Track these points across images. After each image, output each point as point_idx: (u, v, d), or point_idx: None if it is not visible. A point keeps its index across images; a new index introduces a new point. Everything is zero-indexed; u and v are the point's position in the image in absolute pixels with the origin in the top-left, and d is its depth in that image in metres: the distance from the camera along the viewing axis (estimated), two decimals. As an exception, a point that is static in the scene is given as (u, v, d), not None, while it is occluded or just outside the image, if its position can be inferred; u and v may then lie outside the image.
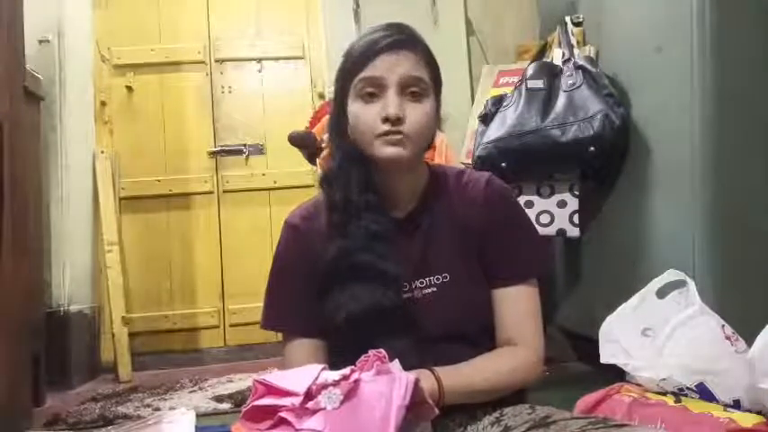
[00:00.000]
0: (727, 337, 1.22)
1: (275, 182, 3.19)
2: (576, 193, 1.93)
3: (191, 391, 2.33)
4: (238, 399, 2.10)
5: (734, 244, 1.55)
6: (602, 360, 1.34)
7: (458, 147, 2.33)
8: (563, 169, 1.93)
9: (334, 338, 0.98)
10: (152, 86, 3.17)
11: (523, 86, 1.96)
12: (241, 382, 2.43)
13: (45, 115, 2.59)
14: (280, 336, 1.04)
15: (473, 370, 0.92)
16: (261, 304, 1.05)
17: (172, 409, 1.98)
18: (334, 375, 0.75)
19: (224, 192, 3.19)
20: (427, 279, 0.98)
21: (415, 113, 0.93)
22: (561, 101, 1.87)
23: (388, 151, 0.93)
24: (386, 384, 0.73)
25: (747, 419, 1.07)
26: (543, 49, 2.20)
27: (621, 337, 1.32)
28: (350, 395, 0.73)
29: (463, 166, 1.81)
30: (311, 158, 2.16)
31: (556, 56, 2.04)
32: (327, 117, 1.09)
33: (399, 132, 0.92)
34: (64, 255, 2.66)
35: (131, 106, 3.16)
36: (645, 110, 1.79)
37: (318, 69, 3.18)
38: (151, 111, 3.16)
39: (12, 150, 1.81)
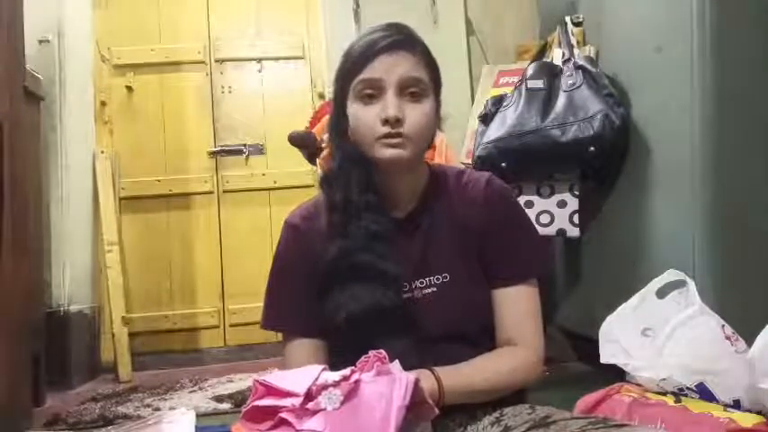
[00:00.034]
0: (727, 337, 1.22)
1: (275, 182, 3.19)
2: (576, 193, 1.93)
3: (191, 391, 2.33)
4: (238, 399, 2.10)
5: (734, 244, 1.55)
6: (602, 360, 1.34)
7: (458, 147, 2.33)
8: (563, 169, 1.93)
9: (334, 338, 0.98)
10: (152, 86, 3.17)
11: (523, 86, 1.96)
12: (241, 382, 2.43)
13: (45, 115, 2.59)
14: (280, 336, 1.04)
15: (473, 370, 0.93)
16: (261, 304, 1.05)
17: (172, 409, 1.98)
18: (335, 376, 0.75)
19: (224, 192, 3.19)
20: (427, 279, 0.98)
21: (415, 114, 0.94)
22: (561, 101, 1.87)
23: (388, 153, 0.93)
24: (386, 385, 0.73)
25: (747, 419, 1.07)
26: (543, 49, 2.20)
27: (621, 337, 1.32)
28: (350, 396, 0.73)
29: (463, 166, 1.81)
30: (311, 158, 2.16)
31: (556, 56, 2.04)
32: (327, 117, 1.09)
33: (399, 134, 0.92)
34: (64, 255, 2.66)
35: (131, 106, 3.16)
36: (645, 110, 1.79)
37: (318, 69, 3.18)
38: (151, 111, 3.16)
39: (12, 150, 1.81)
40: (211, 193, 3.18)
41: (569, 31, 2.05)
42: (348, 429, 0.71)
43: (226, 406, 2.06)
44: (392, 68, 0.93)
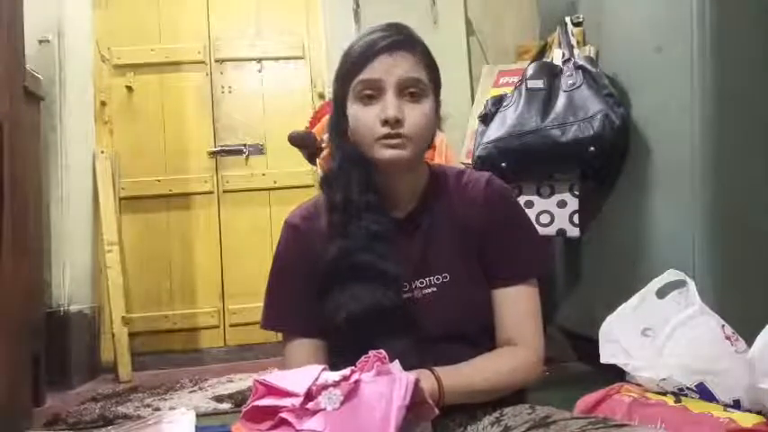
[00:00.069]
0: (727, 337, 1.22)
1: (275, 182, 3.19)
2: (576, 193, 1.93)
3: (191, 391, 2.33)
4: (238, 399, 2.10)
5: (734, 244, 1.55)
6: (602, 360, 1.34)
7: (458, 147, 2.33)
8: (563, 169, 1.93)
9: (334, 338, 0.98)
10: (152, 86, 3.17)
11: (523, 86, 1.96)
12: (241, 382, 2.43)
13: (45, 115, 2.59)
14: (280, 336, 1.04)
15: (473, 370, 0.93)
16: (261, 304, 1.05)
17: (172, 409, 1.98)
18: (335, 376, 0.75)
19: (224, 192, 3.19)
20: (427, 279, 0.98)
21: (414, 114, 0.94)
22: (561, 101, 1.87)
23: (388, 154, 0.93)
24: (386, 385, 0.73)
25: (747, 419, 1.07)
26: (543, 50, 2.20)
27: (621, 337, 1.32)
28: (350, 396, 0.73)
29: (463, 166, 1.81)
30: (311, 158, 2.16)
31: (556, 56, 2.04)
32: (327, 117, 1.09)
33: (399, 135, 0.92)
34: (64, 255, 2.66)
35: (131, 106, 3.16)
36: (645, 110, 1.79)
37: (318, 69, 3.18)
38: (151, 111, 3.16)
39: (12, 150, 1.81)
40: (211, 193, 3.18)
41: (569, 32, 2.05)
42: (348, 429, 0.71)
43: (226, 406, 2.06)
44: (392, 69, 0.93)
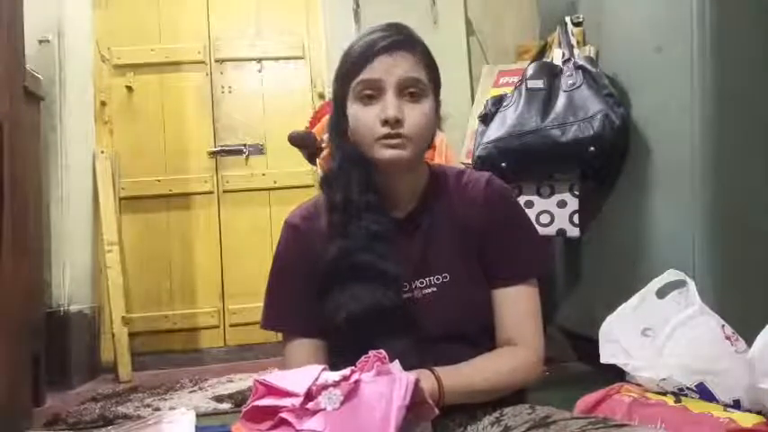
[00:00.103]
0: (727, 337, 1.22)
1: (275, 182, 3.19)
2: (576, 193, 1.93)
3: (191, 391, 2.33)
4: (238, 399, 2.10)
5: (734, 244, 1.55)
6: (602, 360, 1.34)
7: (458, 147, 2.33)
8: (563, 169, 1.93)
9: (334, 338, 0.98)
10: (152, 86, 3.17)
11: (523, 86, 1.96)
12: (241, 382, 2.43)
13: (45, 115, 2.59)
14: (280, 336, 1.04)
15: (473, 370, 0.93)
16: (261, 304, 1.05)
17: (172, 409, 1.98)
18: (335, 376, 0.75)
19: (224, 192, 3.19)
20: (427, 279, 0.98)
21: (414, 114, 0.94)
22: (561, 101, 1.87)
23: (388, 154, 0.93)
24: (386, 385, 0.73)
25: (747, 419, 1.07)
26: (543, 49, 2.20)
27: (621, 337, 1.32)
28: (350, 396, 0.73)
29: (463, 166, 1.81)
30: (311, 158, 2.16)
31: (556, 56, 2.04)
32: (327, 117, 1.09)
33: (399, 135, 0.92)
34: (64, 255, 2.66)
35: (131, 106, 3.16)
36: (645, 110, 1.79)
37: (318, 69, 3.18)
38: (151, 111, 3.16)
39: (12, 150, 1.81)
40: (211, 193, 3.18)
41: (569, 31, 2.05)
42: (348, 429, 0.71)
43: (226, 406, 2.06)
44: (391, 69, 0.93)
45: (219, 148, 3.19)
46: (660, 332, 1.26)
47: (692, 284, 1.31)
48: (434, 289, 0.98)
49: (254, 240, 3.11)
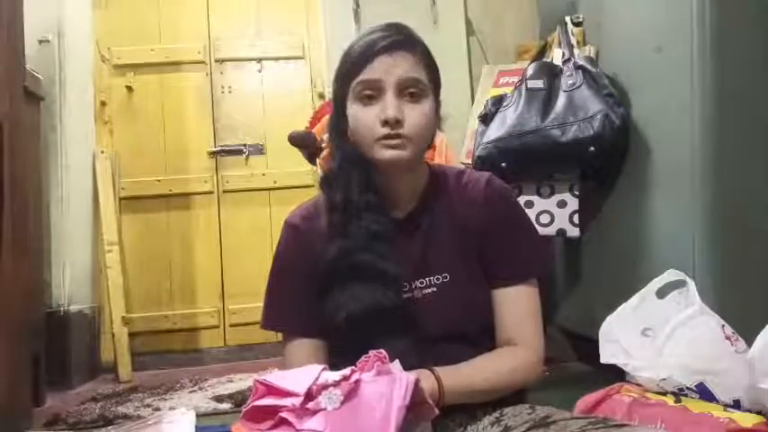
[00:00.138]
0: (727, 337, 1.22)
1: (275, 182, 3.19)
2: (576, 193, 1.93)
3: (191, 391, 2.33)
4: (238, 399, 2.10)
5: (734, 244, 1.55)
6: (602, 360, 1.34)
7: (458, 147, 2.33)
8: (563, 169, 1.93)
9: (334, 338, 0.98)
10: (152, 86, 3.17)
11: (523, 86, 1.96)
12: (241, 382, 2.43)
13: (45, 115, 2.59)
14: (280, 336, 1.04)
15: (473, 370, 0.93)
16: (261, 304, 1.05)
17: (172, 409, 1.98)
18: (335, 376, 0.75)
19: (224, 192, 3.19)
20: (427, 279, 0.98)
21: (414, 114, 0.93)
22: (561, 101, 1.87)
23: (388, 154, 0.93)
24: (386, 385, 0.73)
25: (747, 419, 1.07)
26: (543, 49, 2.20)
27: (621, 337, 1.32)
28: (350, 396, 0.73)
29: (463, 166, 1.81)
30: (311, 158, 2.16)
31: (556, 56, 2.04)
32: (327, 117, 1.09)
33: (399, 135, 0.92)
34: (64, 255, 2.66)
35: (131, 106, 3.16)
36: (645, 110, 1.79)
37: (318, 69, 3.18)
38: (151, 111, 3.16)
39: (12, 150, 1.81)
40: (211, 193, 3.18)
41: (569, 31, 2.05)
42: (348, 429, 0.71)
43: (226, 406, 2.06)
44: (391, 69, 0.93)
45: (219, 148, 3.19)
46: (660, 332, 1.26)
47: (692, 284, 1.31)
48: (434, 289, 0.98)
49: (254, 240, 3.11)
